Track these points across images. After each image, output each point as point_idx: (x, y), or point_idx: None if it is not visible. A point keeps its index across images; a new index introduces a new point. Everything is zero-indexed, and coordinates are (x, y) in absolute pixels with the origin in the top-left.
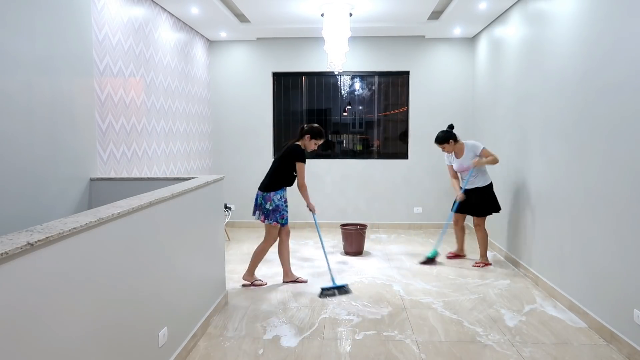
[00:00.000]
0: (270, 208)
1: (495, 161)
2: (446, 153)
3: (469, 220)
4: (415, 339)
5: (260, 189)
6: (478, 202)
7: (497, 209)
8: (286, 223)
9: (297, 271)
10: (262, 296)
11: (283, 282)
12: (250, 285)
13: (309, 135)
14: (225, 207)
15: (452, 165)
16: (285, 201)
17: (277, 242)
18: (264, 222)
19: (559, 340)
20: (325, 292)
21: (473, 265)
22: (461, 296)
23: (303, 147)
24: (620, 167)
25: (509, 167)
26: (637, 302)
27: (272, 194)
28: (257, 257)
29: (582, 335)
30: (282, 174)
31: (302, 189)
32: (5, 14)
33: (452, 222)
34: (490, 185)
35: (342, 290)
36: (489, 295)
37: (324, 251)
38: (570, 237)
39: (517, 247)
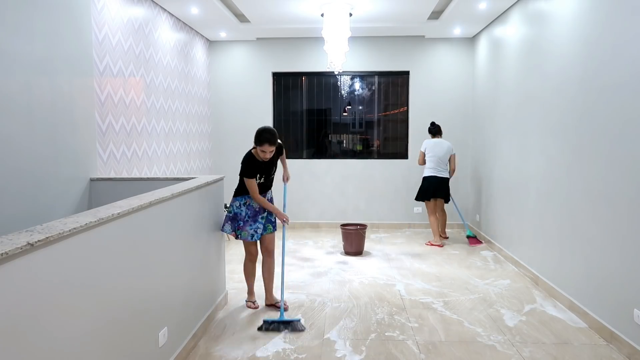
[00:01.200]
0: (228, 215)
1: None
2: None
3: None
4: (415, 339)
5: None
6: (419, 190)
7: (426, 196)
8: (251, 239)
9: (297, 271)
10: (263, 296)
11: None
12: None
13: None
14: (225, 207)
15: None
16: (255, 212)
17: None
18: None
19: (559, 340)
20: (267, 327)
21: (426, 244)
22: (461, 296)
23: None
24: (620, 167)
25: (509, 167)
26: (637, 302)
27: (232, 199)
28: (245, 275)
29: (582, 335)
30: (241, 180)
31: (256, 201)
32: (4, 15)
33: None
34: (428, 178)
35: (290, 326)
36: (489, 295)
37: (282, 272)
38: (571, 237)
39: (517, 247)
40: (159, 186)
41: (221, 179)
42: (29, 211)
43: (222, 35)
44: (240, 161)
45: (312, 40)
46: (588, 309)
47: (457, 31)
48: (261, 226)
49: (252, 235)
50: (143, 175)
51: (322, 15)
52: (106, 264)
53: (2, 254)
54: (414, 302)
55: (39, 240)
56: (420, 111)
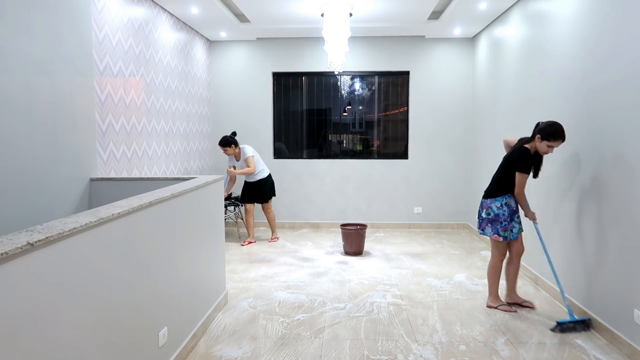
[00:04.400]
0: (487, 217)
1: (248, 172)
2: (228, 155)
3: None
4: (415, 338)
5: (483, 195)
6: (263, 192)
7: (274, 193)
8: (514, 237)
9: (296, 271)
10: (263, 296)
11: (506, 303)
12: (495, 308)
13: (539, 136)
14: (226, 207)
15: (232, 166)
16: (512, 211)
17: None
18: (478, 231)
19: (559, 340)
20: (564, 327)
21: (269, 241)
22: (461, 296)
23: (533, 151)
24: (619, 167)
25: None
26: (637, 302)
27: (489, 201)
28: (491, 276)
29: (582, 335)
30: (505, 179)
31: (518, 197)
32: (5, 14)
33: (246, 212)
34: (270, 177)
35: (584, 325)
36: None
37: (553, 271)
38: (571, 237)
39: None
40: (159, 186)
41: (221, 178)
42: (29, 211)
43: (222, 35)
44: (513, 156)
45: (312, 40)
46: (588, 309)
47: (457, 31)
48: (517, 225)
49: (515, 234)
50: (143, 175)
51: (322, 15)
52: (106, 264)
53: (2, 254)
54: (414, 302)
55: (39, 240)
56: (420, 111)
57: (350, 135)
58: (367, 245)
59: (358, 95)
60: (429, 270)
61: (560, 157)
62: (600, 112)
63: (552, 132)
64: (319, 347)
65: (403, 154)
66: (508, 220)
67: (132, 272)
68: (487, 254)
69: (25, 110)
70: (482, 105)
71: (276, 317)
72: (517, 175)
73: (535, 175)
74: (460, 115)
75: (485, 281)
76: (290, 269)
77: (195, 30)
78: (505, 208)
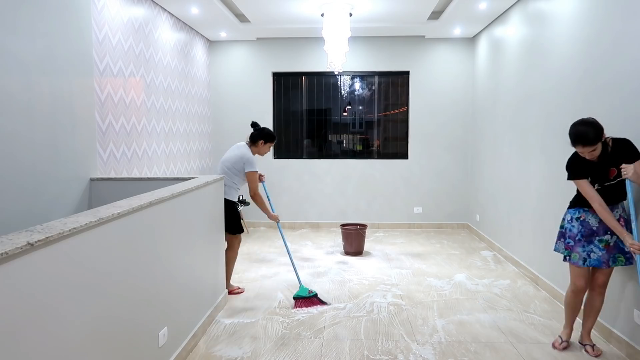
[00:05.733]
0: (560, 229)
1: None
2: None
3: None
4: (415, 338)
5: None
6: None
7: (240, 228)
8: (574, 262)
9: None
10: (263, 296)
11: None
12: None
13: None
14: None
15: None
16: (590, 231)
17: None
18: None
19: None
20: None
21: (228, 294)
22: (461, 296)
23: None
24: None
25: (509, 167)
26: (637, 302)
27: (566, 211)
28: (565, 308)
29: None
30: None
31: (595, 208)
32: (5, 14)
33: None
34: (235, 204)
35: None
36: (489, 295)
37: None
38: None
39: (517, 247)
40: (159, 186)
41: (221, 178)
42: (29, 211)
43: (222, 35)
44: None
45: (312, 40)
46: None
47: (457, 31)
48: (598, 251)
49: (584, 260)
50: (143, 175)
51: (322, 15)
52: (106, 264)
53: (2, 254)
54: (414, 302)
55: (39, 240)
56: (420, 111)
57: (350, 135)
58: (367, 245)
59: (358, 95)
60: (429, 270)
61: (561, 156)
62: (600, 112)
63: (570, 136)
64: (319, 347)
65: (403, 154)
66: (576, 239)
67: (132, 272)
68: (487, 253)
69: (26, 109)
70: (482, 105)
71: (276, 317)
72: (576, 182)
73: (600, 183)
74: (460, 115)
75: (485, 281)
76: (290, 269)
77: (195, 31)
78: (575, 224)
